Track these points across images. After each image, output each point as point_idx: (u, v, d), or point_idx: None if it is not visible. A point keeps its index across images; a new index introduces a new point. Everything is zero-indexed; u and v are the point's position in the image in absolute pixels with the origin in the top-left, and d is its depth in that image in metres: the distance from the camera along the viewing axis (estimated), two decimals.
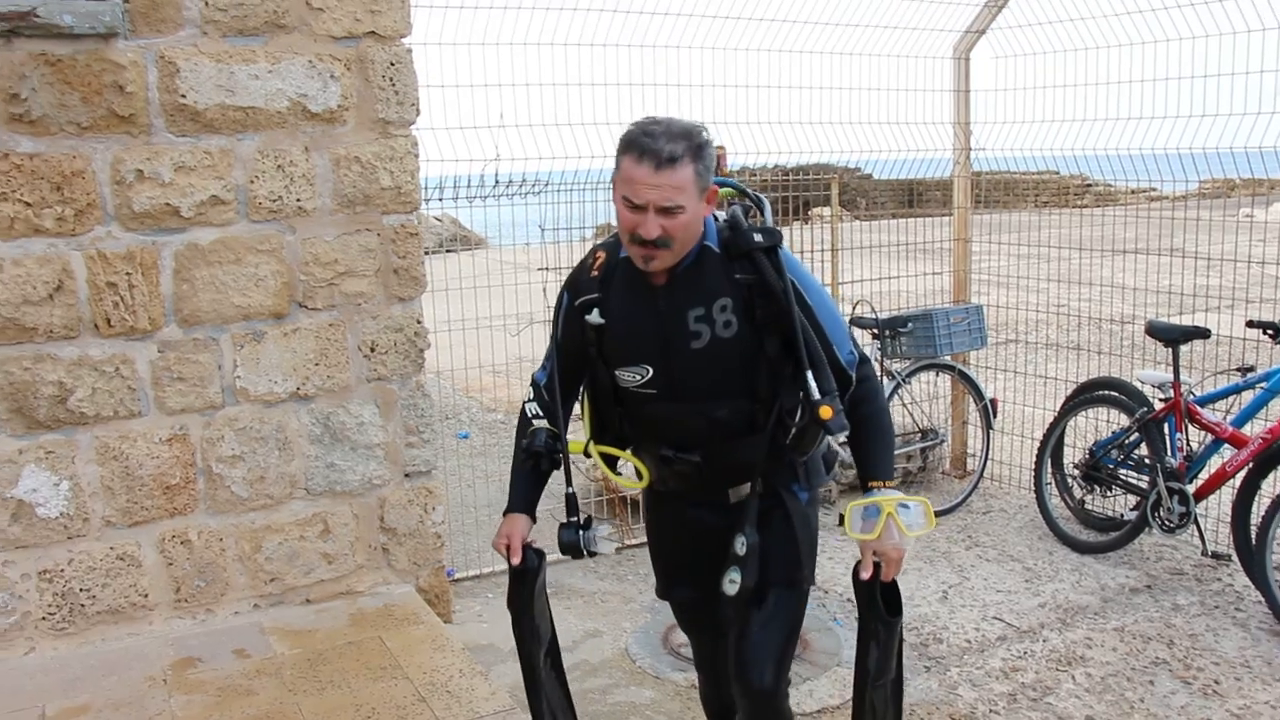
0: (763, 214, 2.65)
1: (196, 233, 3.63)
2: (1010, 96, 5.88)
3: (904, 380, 5.62)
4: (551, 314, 2.65)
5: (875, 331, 5.63)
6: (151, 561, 3.71)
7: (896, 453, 5.74)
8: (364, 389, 3.97)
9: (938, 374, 5.98)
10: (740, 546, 2.40)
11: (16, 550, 3.52)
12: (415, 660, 3.47)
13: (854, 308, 5.74)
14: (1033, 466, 5.44)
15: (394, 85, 3.85)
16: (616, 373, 2.51)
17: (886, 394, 5.53)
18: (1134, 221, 6.11)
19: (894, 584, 2.40)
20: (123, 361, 3.58)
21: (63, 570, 3.59)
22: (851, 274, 6.07)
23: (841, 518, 2.43)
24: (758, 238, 2.37)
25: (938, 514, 5.56)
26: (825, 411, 2.28)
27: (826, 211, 7.67)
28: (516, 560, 2.51)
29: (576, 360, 2.58)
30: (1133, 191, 13.25)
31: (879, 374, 5.66)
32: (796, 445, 2.39)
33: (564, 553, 2.54)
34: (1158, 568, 4.86)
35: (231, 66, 3.60)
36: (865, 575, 2.37)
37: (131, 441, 3.63)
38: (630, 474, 2.69)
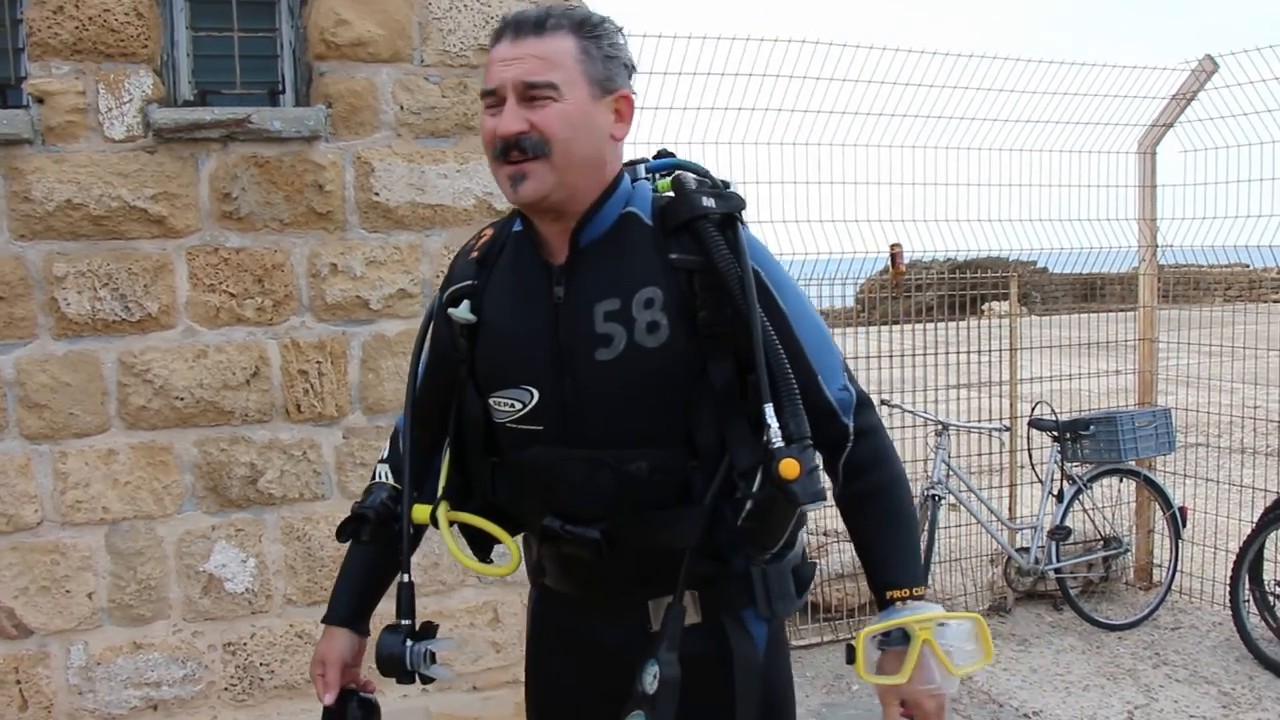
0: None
1: (383, 324, 3.79)
2: (1198, 191, 5.65)
3: (1085, 485, 5.38)
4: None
5: (1055, 434, 5.42)
6: None
7: (1075, 560, 5.49)
8: None
9: (1121, 479, 5.69)
10: (650, 681, 1.53)
11: (205, 622, 3.68)
12: None
13: (1033, 409, 5.56)
14: (1228, 581, 5.09)
15: None
16: (490, 401, 1.74)
17: (1065, 499, 5.30)
18: None
19: None
20: (310, 446, 3.74)
21: (245, 644, 3.73)
22: (1030, 372, 5.88)
23: (851, 650, 1.61)
24: (708, 202, 1.62)
25: (1121, 627, 5.26)
26: (789, 468, 1.45)
27: (999, 306, 7.48)
28: (329, 700, 1.82)
29: (445, 387, 1.83)
30: None
31: (1058, 479, 5.43)
32: (755, 529, 1.53)
33: (382, 671, 1.78)
34: None
35: (422, 166, 3.77)
36: None
37: (314, 523, 3.77)
38: (501, 561, 1.83)
